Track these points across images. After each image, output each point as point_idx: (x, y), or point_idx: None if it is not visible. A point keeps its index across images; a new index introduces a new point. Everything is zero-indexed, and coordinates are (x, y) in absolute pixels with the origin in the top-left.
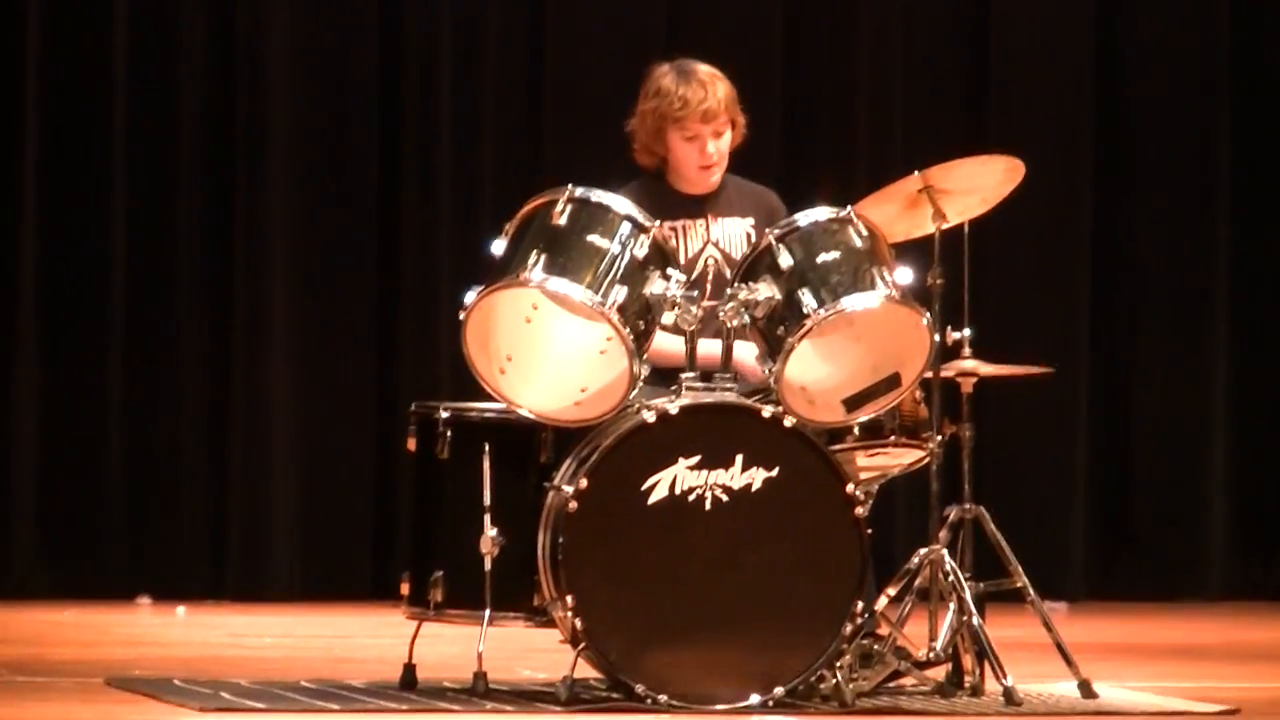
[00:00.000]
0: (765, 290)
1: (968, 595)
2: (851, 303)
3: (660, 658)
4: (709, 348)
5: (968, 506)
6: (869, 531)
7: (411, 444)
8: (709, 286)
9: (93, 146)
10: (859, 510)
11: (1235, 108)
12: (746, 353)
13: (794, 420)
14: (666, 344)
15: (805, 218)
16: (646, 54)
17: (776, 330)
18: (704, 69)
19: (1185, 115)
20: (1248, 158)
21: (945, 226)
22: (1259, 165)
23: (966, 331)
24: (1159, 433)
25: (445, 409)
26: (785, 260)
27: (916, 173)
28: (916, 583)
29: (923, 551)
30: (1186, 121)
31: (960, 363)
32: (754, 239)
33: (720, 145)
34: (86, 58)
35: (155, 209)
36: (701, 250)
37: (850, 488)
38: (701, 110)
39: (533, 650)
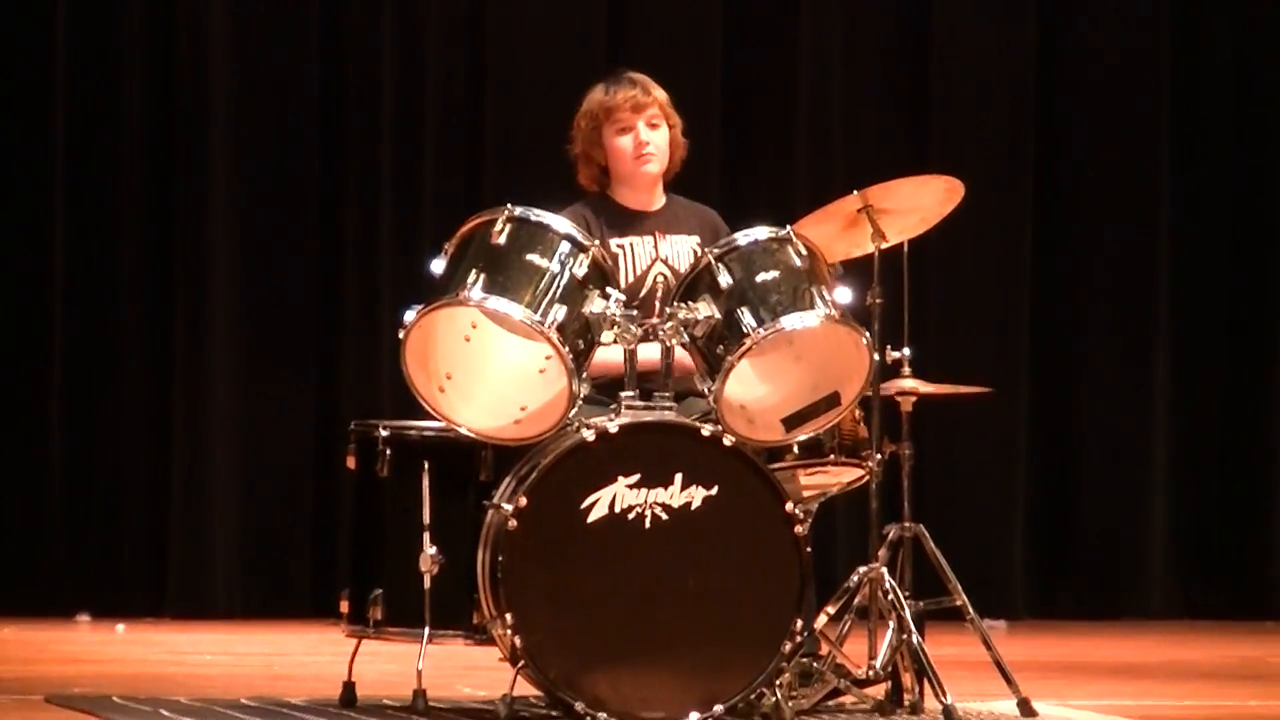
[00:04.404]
0: (705, 309)
1: (907, 613)
2: (791, 322)
3: (599, 675)
4: (649, 351)
5: (907, 525)
6: (808, 550)
7: (351, 462)
8: (657, 303)
9: (31, 174)
10: (798, 529)
11: (1175, 128)
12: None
13: (733, 439)
14: (607, 354)
15: (745, 237)
16: (586, 79)
17: (716, 349)
18: (636, 74)
19: (1126, 135)
20: (1188, 178)
21: (885, 246)
22: (1200, 186)
23: (906, 351)
24: (1099, 452)
25: (385, 427)
26: (725, 279)
27: (856, 192)
28: (856, 601)
29: (862, 570)
30: (1127, 141)
31: (900, 382)
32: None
33: (656, 138)
34: (23, 89)
35: (95, 230)
36: (650, 267)
37: (790, 506)
38: (632, 100)
39: (472, 668)
